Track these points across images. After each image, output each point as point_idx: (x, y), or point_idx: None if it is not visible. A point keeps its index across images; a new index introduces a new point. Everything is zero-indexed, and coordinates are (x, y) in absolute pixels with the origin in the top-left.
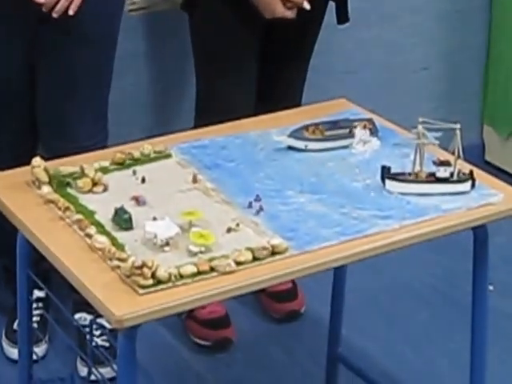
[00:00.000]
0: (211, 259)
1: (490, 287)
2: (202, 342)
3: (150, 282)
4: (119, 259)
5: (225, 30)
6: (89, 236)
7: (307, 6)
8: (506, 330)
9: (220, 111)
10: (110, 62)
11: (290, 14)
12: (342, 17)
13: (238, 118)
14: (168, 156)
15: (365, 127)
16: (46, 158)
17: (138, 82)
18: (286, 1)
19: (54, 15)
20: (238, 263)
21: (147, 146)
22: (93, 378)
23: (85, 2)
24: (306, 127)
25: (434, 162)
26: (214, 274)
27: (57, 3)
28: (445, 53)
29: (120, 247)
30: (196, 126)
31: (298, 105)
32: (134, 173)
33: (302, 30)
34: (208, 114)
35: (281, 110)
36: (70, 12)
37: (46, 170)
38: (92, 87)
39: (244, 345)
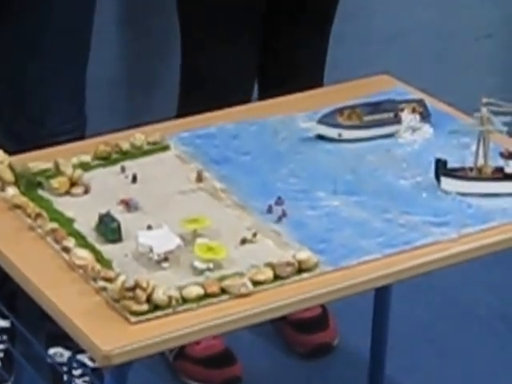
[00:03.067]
0: (221, 278)
1: None
2: None
3: (145, 307)
4: (105, 279)
5: None
6: (66, 250)
7: None
8: None
9: (208, 89)
10: (86, 29)
11: None
12: None
13: (233, 101)
14: (165, 148)
15: (414, 111)
16: (10, 152)
17: (121, 55)
18: None
19: None
20: (256, 283)
21: (139, 136)
22: None
23: None
24: (340, 111)
25: (502, 154)
26: (225, 297)
27: None
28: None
29: (106, 264)
30: (180, 112)
31: (320, 84)
32: (123, 170)
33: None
34: (193, 93)
35: (301, 90)
36: None
37: (10, 166)
38: (65, 60)
39: None
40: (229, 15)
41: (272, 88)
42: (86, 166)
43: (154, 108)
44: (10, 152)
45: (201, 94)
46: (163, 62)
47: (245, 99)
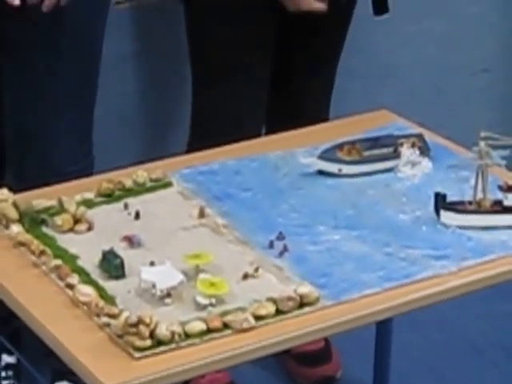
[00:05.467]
0: (224, 313)
1: None
2: None
3: (148, 343)
4: (109, 315)
5: (229, 24)
6: (70, 287)
7: None
8: None
9: (220, 127)
10: (94, 67)
11: (321, 6)
12: (380, 7)
13: (243, 137)
14: (168, 185)
15: (413, 145)
16: (15, 190)
17: (127, 92)
18: None
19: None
20: (258, 318)
21: (141, 173)
22: None
23: None
24: (340, 146)
25: (501, 188)
26: (228, 331)
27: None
28: (510, 51)
29: (110, 300)
30: (190, 149)
31: (326, 119)
32: (126, 206)
33: (329, 25)
34: (205, 131)
35: (305, 125)
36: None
37: (15, 204)
38: (72, 99)
39: None
40: (240, 55)
41: (282, 124)
42: (89, 203)
43: (163, 146)
44: (18, 190)
45: (211, 132)
46: (171, 101)
47: (254, 136)
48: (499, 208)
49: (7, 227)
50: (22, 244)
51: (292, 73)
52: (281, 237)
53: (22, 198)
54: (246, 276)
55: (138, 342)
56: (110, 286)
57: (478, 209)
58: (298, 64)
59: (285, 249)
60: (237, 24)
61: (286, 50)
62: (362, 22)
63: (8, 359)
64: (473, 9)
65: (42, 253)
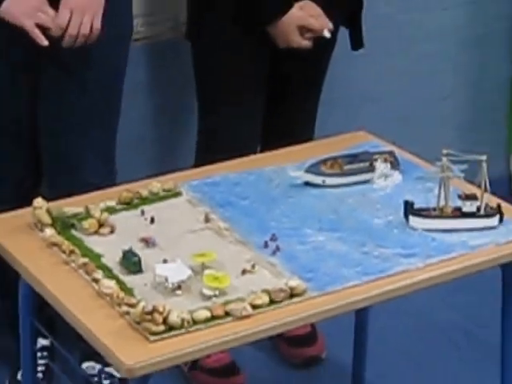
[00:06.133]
0: (226, 303)
1: None
2: None
3: (162, 328)
4: (128, 305)
5: (229, 60)
6: (96, 281)
7: (327, 34)
8: None
9: (222, 146)
10: (117, 95)
11: (307, 44)
12: (357, 43)
13: (243, 154)
14: (178, 194)
15: (386, 160)
16: (48, 199)
17: (144, 114)
18: (305, 30)
19: (66, 42)
20: (255, 307)
21: (156, 184)
22: None
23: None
24: (324, 162)
25: (460, 196)
26: (229, 318)
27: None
28: (468, 80)
29: (129, 292)
30: (197, 163)
31: (311, 139)
32: (143, 213)
33: (314, 59)
34: (209, 149)
35: (295, 144)
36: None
37: (48, 211)
38: (98, 122)
39: None
40: (238, 84)
41: (274, 142)
42: (111, 210)
43: (173, 161)
44: (51, 199)
45: (214, 150)
46: (180, 124)
47: (251, 153)
48: (459, 213)
49: (42, 230)
50: (54, 244)
51: (282, 99)
52: (274, 238)
53: (55, 205)
54: (244, 271)
55: (153, 328)
56: (129, 280)
57: (441, 214)
58: (287, 91)
59: (277, 248)
60: (236, 58)
61: (278, 79)
62: (343, 57)
63: (43, 342)
64: (436, 45)
65: (72, 252)
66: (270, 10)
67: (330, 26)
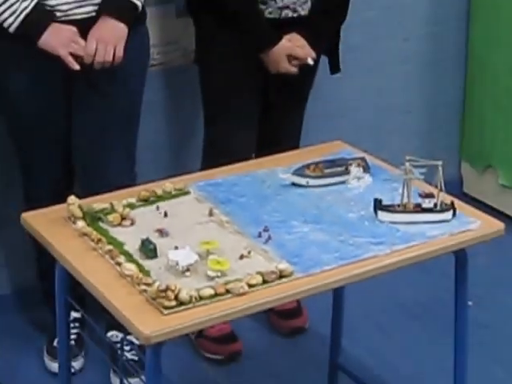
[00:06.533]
0: (226, 283)
1: (470, 303)
2: (215, 357)
3: (173, 303)
4: (146, 284)
5: (230, 82)
6: (119, 264)
7: (311, 61)
8: (482, 338)
9: (223, 153)
10: (139, 111)
11: (294, 70)
12: (334, 68)
13: (240, 159)
14: (187, 193)
15: (358, 165)
16: (80, 196)
17: (159, 127)
18: (292, 58)
19: (95, 67)
20: (250, 286)
21: (168, 185)
22: None
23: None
24: (308, 166)
25: (420, 195)
26: (229, 295)
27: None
28: (427, 97)
29: (146, 273)
30: (203, 167)
31: (297, 147)
32: (158, 208)
33: (299, 81)
34: (213, 155)
35: (283, 151)
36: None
37: (80, 206)
38: (122, 133)
39: (254, 356)
40: (238, 101)
41: (266, 149)
42: (132, 206)
43: (183, 166)
44: (82, 196)
45: (218, 156)
46: (189, 134)
47: (247, 158)
48: (419, 209)
49: (74, 223)
50: (84, 234)
51: (273, 113)
52: (266, 229)
53: (85, 202)
54: (242, 257)
55: (166, 303)
56: (147, 263)
57: (404, 209)
58: (277, 107)
59: (269, 238)
60: (236, 79)
61: (269, 97)
62: (324, 78)
63: (75, 315)
64: (400, 67)
65: (99, 241)
66: (263, 41)
67: (313, 54)
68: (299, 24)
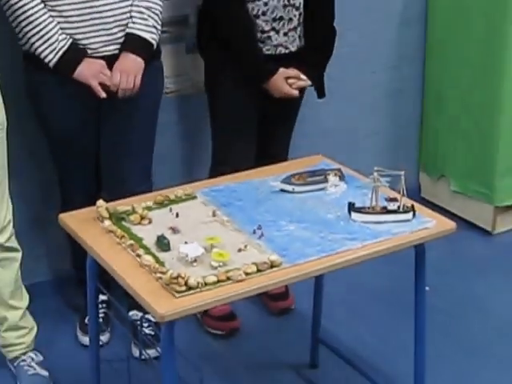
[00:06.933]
0: (227, 271)
1: (427, 288)
2: (217, 332)
3: (184, 288)
4: (161, 272)
5: (233, 107)
6: (139, 256)
7: (305, 78)
8: (436, 317)
9: (227, 164)
10: (155, 130)
11: (295, 92)
12: (321, 93)
13: (240, 170)
14: (194, 197)
15: (335, 175)
16: (107, 200)
17: (172, 143)
18: (292, 82)
19: (120, 94)
20: (247, 274)
21: (179, 191)
22: (143, 357)
23: (140, 88)
24: (293, 175)
25: (386, 199)
26: (230, 282)
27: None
28: (391, 120)
29: (161, 264)
30: (211, 175)
31: (286, 159)
32: (171, 210)
33: (289, 105)
34: (219, 166)
35: (274, 163)
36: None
37: (107, 209)
38: (141, 148)
39: (250, 331)
40: (239, 122)
41: (260, 162)
42: (149, 208)
43: (192, 174)
44: (109, 200)
45: (222, 166)
46: (198, 148)
47: (245, 169)
48: (385, 211)
49: (102, 222)
50: (110, 231)
51: (266, 131)
52: (259, 227)
53: (111, 205)
54: (239, 250)
55: (178, 288)
56: (162, 255)
57: (373, 211)
58: (270, 125)
59: (262, 234)
60: (238, 105)
61: (264, 119)
62: (304, 106)
63: (102, 297)
64: (368, 96)
65: (122, 236)
66: (263, 73)
67: (304, 77)
68: (291, 58)
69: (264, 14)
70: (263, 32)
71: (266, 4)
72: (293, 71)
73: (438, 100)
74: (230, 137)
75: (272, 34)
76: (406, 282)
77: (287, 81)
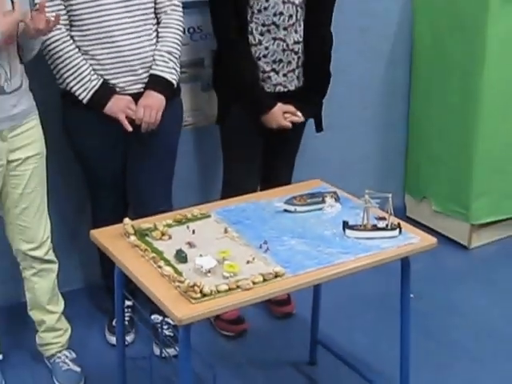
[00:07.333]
0: (237, 281)
1: (411, 295)
2: (228, 334)
3: (199, 295)
4: (179, 281)
5: (239, 137)
6: (160, 267)
7: (300, 115)
8: (420, 321)
9: (236, 187)
10: (175, 158)
11: (288, 124)
12: (319, 127)
13: (248, 192)
14: (209, 216)
15: (331, 197)
16: (132, 218)
17: (189, 168)
18: (288, 117)
19: (143, 130)
20: (254, 283)
21: (195, 210)
22: (163, 355)
23: (160, 122)
24: (295, 197)
25: (376, 218)
26: (239, 290)
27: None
28: (380, 149)
29: (179, 274)
30: (222, 197)
31: (289, 183)
32: (188, 227)
33: (292, 137)
34: (228, 188)
35: (278, 186)
36: (152, 127)
37: (132, 226)
38: (163, 174)
39: (257, 333)
40: (248, 150)
41: (266, 185)
42: (169, 226)
43: (206, 196)
44: (134, 218)
45: (232, 189)
46: (211, 174)
47: (253, 191)
48: (375, 228)
49: (128, 237)
50: (135, 246)
51: (272, 158)
52: (265, 242)
53: (136, 222)
54: (248, 262)
55: (194, 295)
56: (180, 267)
57: (365, 228)
58: (276, 153)
59: (267, 248)
60: (245, 136)
61: (270, 148)
62: (309, 135)
63: (128, 303)
64: (360, 128)
65: (146, 250)
66: (263, 106)
67: (300, 114)
68: (290, 96)
69: (265, 56)
70: (264, 72)
71: (266, 48)
72: (289, 107)
73: (420, 133)
74: (237, 163)
75: (272, 74)
76: (393, 289)
77: (284, 115)
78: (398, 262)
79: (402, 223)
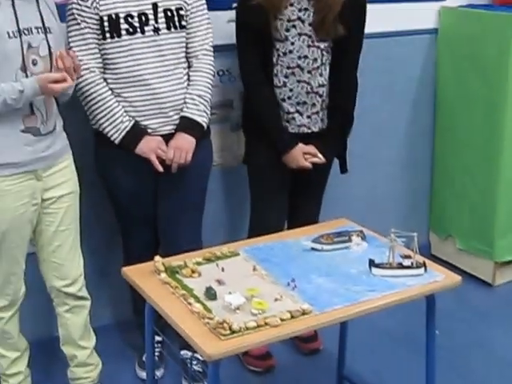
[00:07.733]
0: (265, 318)
1: (436, 332)
2: (256, 369)
3: (228, 332)
4: (209, 318)
5: (267, 177)
6: (190, 304)
7: (321, 156)
8: (445, 357)
9: (262, 225)
10: (204, 197)
11: (308, 165)
12: (344, 169)
13: (273, 230)
14: (237, 254)
15: (358, 235)
16: (163, 256)
17: (218, 207)
18: (307, 156)
19: (173, 170)
20: (282, 320)
21: (224, 248)
22: None
23: (191, 162)
24: (322, 236)
25: (401, 256)
26: (268, 326)
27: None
28: (405, 188)
29: (209, 311)
30: (249, 235)
31: (316, 221)
32: (217, 265)
33: (318, 178)
34: (255, 226)
35: (305, 225)
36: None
37: (163, 263)
38: (192, 213)
39: (284, 369)
40: (274, 189)
41: (293, 224)
42: (199, 263)
43: (235, 235)
44: (164, 256)
45: (259, 228)
46: (238, 212)
47: (280, 230)
48: (401, 266)
49: (159, 274)
50: (166, 283)
51: (298, 198)
52: (293, 280)
53: (166, 260)
54: (276, 299)
55: (223, 332)
56: (209, 304)
57: (390, 266)
58: (301, 193)
59: (295, 286)
60: (272, 175)
61: (297, 189)
62: (337, 174)
63: (158, 338)
64: (386, 167)
65: (176, 287)
66: (285, 146)
67: (321, 155)
68: (314, 138)
69: (289, 98)
70: (288, 113)
71: (291, 90)
72: (311, 148)
73: (445, 172)
74: (262, 201)
75: (296, 115)
76: (419, 326)
77: (304, 155)
78: (423, 299)
79: (427, 261)
